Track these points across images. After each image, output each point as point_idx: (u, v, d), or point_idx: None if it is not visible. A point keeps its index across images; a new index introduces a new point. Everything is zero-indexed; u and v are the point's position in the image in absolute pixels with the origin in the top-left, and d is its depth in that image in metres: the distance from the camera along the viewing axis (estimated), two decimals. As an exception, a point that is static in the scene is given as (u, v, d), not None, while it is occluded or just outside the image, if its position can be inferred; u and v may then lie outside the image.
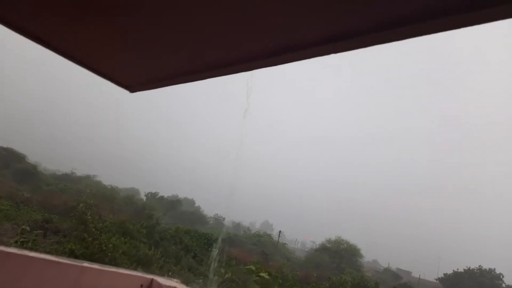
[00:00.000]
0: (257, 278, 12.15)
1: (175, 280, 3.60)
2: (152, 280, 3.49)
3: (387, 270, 61.49)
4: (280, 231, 50.66)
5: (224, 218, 53.69)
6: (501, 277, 46.84)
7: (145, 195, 51.46)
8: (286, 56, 1.31)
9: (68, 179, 43.62)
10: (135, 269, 13.10)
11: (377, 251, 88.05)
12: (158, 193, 51.89)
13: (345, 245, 46.92)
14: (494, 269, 47.53)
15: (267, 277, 10.61)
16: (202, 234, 26.13)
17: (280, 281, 18.74)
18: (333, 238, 48.71)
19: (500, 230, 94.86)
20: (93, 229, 14.60)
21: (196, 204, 65.49)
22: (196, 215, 51.56)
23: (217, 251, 19.41)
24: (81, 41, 1.68)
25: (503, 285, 46.19)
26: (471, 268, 49.14)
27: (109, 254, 13.68)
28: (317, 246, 50.05)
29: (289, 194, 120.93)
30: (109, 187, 41.90)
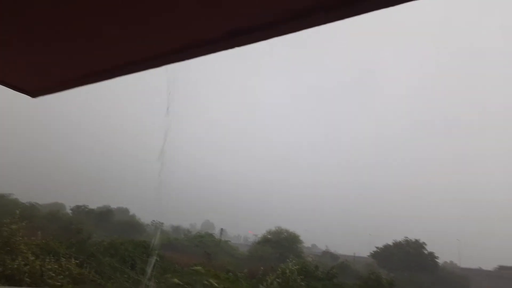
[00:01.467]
0: (207, 283, 11.87)
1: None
2: None
3: (325, 253, 64.98)
4: (221, 229, 50.57)
5: (162, 223, 51.95)
6: (424, 245, 52.39)
7: (71, 209, 47.55)
8: (201, 49, 1.31)
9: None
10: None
11: (316, 235, 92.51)
12: (87, 206, 48.30)
13: (285, 234, 48.46)
14: (419, 239, 52.99)
15: (216, 284, 10.40)
16: (139, 242, 24.80)
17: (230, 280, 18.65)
18: (273, 229, 50.02)
19: (420, 201, 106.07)
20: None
21: (131, 213, 62.20)
22: (132, 224, 49.02)
23: (154, 257, 18.61)
24: None
25: (426, 252, 51.71)
26: (398, 241, 54.22)
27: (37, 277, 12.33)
28: (259, 238, 50.99)
29: (227, 191, 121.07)
30: (27, 204, 37.83)
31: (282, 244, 45.79)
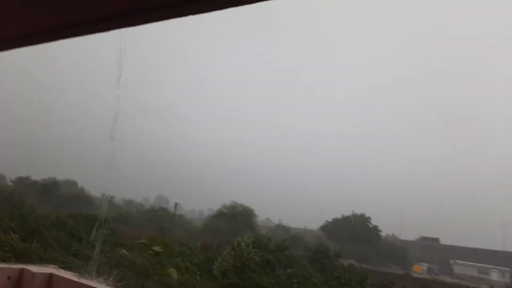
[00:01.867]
0: (151, 252, 11.68)
1: (52, 266, 3.04)
2: (22, 270, 2.92)
3: (278, 226, 67.23)
4: (176, 203, 50.18)
5: (113, 197, 50.36)
6: (369, 219, 55.99)
7: (12, 181, 44.39)
8: (153, 14, 1.20)
9: None
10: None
11: (270, 209, 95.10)
12: (30, 177, 45.32)
13: (240, 208, 49.20)
14: (364, 214, 56.43)
15: (160, 249, 10.23)
16: (88, 216, 23.86)
17: (178, 250, 18.61)
18: (228, 203, 50.56)
19: (367, 176, 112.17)
20: None
21: (80, 185, 59.48)
22: (80, 197, 46.94)
23: (102, 231, 18.04)
24: None
25: (370, 226, 55.39)
26: (346, 215, 57.43)
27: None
28: (214, 213, 51.39)
29: (181, 165, 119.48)
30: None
31: (236, 218, 46.54)
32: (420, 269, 46.00)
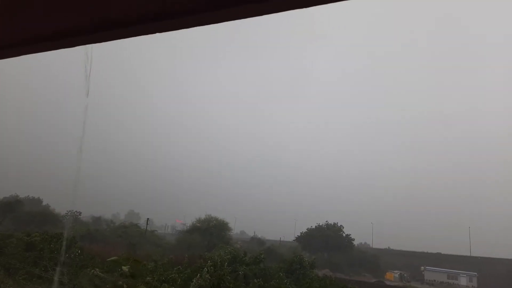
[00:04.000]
0: (120, 271, 11.23)
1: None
2: None
3: (253, 238, 66.74)
4: (147, 219, 48.82)
5: (80, 213, 48.33)
6: (342, 228, 56.75)
7: (-30, 200, 41.74)
8: (123, 30, 1.21)
9: None
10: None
11: (244, 222, 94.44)
12: (-10, 195, 42.80)
13: (214, 221, 48.51)
14: (337, 223, 57.17)
15: (126, 269, 9.87)
16: (53, 235, 22.72)
17: (150, 267, 18.05)
18: (203, 217, 49.77)
19: (339, 189, 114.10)
20: None
21: (44, 203, 56.70)
22: (46, 215, 44.67)
23: (72, 250, 17.24)
24: None
25: (343, 235, 56.13)
26: (320, 225, 57.94)
27: None
28: (188, 227, 50.40)
29: (153, 179, 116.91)
30: None
31: (211, 231, 45.83)
32: (392, 277, 46.92)
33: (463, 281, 48.58)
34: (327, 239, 54.60)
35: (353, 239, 57.15)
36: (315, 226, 58.12)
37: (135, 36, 1.28)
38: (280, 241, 65.72)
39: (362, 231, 74.62)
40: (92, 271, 12.17)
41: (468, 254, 58.81)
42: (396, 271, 49.64)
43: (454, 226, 77.51)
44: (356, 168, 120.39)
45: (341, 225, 56.90)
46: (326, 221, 57.89)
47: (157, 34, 1.21)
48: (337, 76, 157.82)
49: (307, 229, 58.77)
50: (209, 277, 13.40)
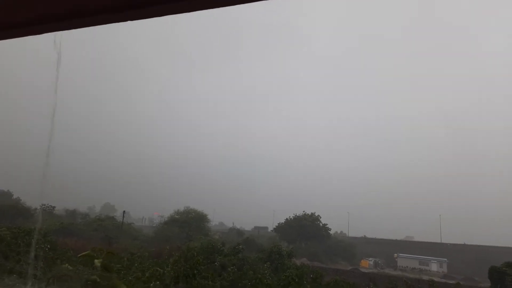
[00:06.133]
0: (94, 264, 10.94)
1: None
2: None
3: (232, 229, 66.98)
4: (124, 212, 47.94)
5: (54, 207, 46.86)
6: (319, 218, 57.71)
7: None
8: (88, 19, 1.17)
9: None
10: None
11: (224, 213, 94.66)
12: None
13: (193, 213, 48.31)
14: (314, 213, 58.06)
15: (98, 263, 9.61)
16: (24, 229, 21.98)
17: (127, 260, 17.79)
18: (181, 209, 49.45)
19: (317, 179, 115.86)
20: None
21: (15, 196, 54.65)
22: (17, 209, 43.09)
23: (43, 245, 16.70)
24: None
25: (320, 224, 57.12)
26: (298, 215, 58.70)
27: None
28: (166, 219, 49.94)
29: (129, 172, 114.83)
30: None
31: (190, 223, 45.62)
32: (367, 264, 48.29)
33: (433, 267, 50.60)
34: (304, 229, 55.46)
35: (330, 229, 58.37)
36: (293, 216, 58.86)
37: (107, 23, 1.23)
38: (259, 231, 66.27)
39: (338, 221, 76.40)
40: (65, 265, 11.83)
41: (439, 241, 61.27)
42: (370, 259, 51.11)
43: (425, 214, 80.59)
44: (333, 161, 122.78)
45: (318, 215, 57.89)
46: (304, 211, 58.77)
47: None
48: (314, 81, 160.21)
49: (285, 219, 59.48)
50: (183, 268, 13.33)
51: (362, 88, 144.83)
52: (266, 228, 70.79)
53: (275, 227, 60.72)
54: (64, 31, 1.29)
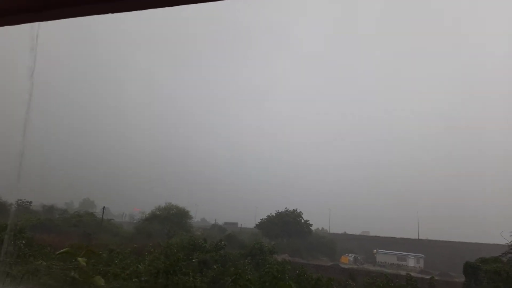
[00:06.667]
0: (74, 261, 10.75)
1: None
2: None
3: (214, 226, 66.82)
4: (104, 207, 47.10)
5: (30, 202, 45.55)
6: (301, 214, 58.21)
7: None
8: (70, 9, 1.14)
9: None
10: None
11: (206, 209, 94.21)
12: None
13: (174, 210, 47.89)
14: (296, 209, 58.48)
15: (83, 262, 9.45)
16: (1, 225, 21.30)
17: (106, 257, 17.51)
18: (163, 205, 48.92)
19: (299, 175, 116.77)
20: None
21: (-11, 191, 52.74)
22: (-10, 204, 41.62)
23: (10, 241, 16.25)
24: None
25: (302, 221, 57.65)
26: (280, 211, 59.02)
27: None
28: (147, 215, 49.33)
29: (109, 167, 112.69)
30: None
31: (171, 219, 45.23)
32: (347, 260, 49.14)
33: (411, 262, 51.96)
34: (286, 225, 55.85)
35: (311, 225, 58.98)
36: (275, 213, 59.15)
37: (87, 15, 1.20)
38: (241, 228, 66.33)
39: (320, 217, 77.36)
40: (41, 262, 11.54)
41: (416, 237, 62.91)
42: (351, 255, 52.02)
43: (403, 211, 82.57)
44: (315, 159, 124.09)
45: (300, 212, 58.37)
46: (286, 208, 59.13)
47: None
48: (301, 85, 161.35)
49: (268, 215, 59.70)
50: (162, 264, 13.23)
51: (345, 88, 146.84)
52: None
53: (256, 223, 60.86)
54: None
